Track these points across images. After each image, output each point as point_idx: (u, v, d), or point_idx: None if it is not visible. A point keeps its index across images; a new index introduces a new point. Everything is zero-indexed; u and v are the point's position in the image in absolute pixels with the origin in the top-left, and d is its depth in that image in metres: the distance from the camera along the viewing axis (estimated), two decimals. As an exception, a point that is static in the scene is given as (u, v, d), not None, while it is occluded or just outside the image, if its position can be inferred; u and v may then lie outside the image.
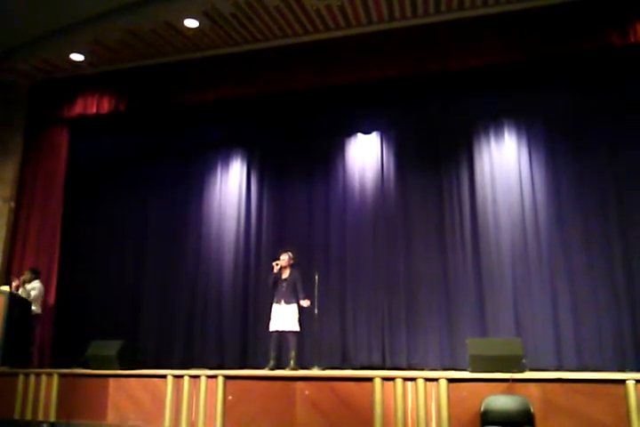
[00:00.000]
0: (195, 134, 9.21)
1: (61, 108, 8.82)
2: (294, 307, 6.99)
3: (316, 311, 7.11)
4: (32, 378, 6.89)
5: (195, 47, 8.13)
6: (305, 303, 6.96)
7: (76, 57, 8.34)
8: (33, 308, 7.73)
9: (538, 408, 5.11)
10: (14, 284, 7.81)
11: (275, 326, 6.96)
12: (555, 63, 7.37)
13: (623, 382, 5.05)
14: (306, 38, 7.80)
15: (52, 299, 8.22)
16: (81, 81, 8.79)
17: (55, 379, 6.81)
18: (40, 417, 6.76)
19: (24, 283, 7.82)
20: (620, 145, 7.29)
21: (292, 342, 6.89)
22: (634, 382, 5.02)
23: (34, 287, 7.81)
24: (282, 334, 6.97)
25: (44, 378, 6.85)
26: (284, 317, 6.93)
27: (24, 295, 7.70)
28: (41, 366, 7.66)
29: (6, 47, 8.29)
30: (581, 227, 7.25)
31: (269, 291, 7.29)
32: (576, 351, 6.86)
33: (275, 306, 7.05)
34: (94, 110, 8.54)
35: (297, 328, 6.95)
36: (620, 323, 6.79)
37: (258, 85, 7.94)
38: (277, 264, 7.12)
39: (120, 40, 7.93)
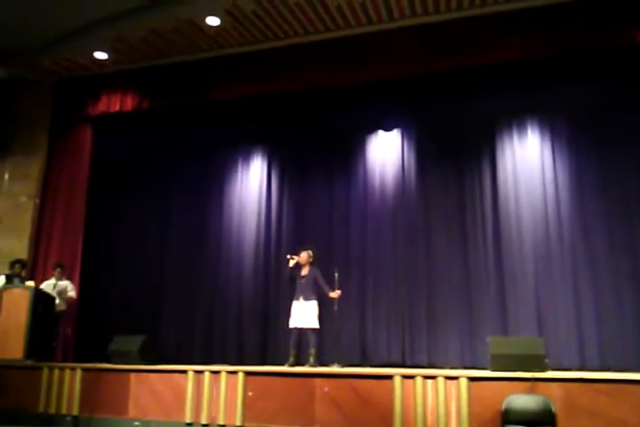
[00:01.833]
0: (216, 132, 9.27)
1: (85, 106, 8.93)
2: (314, 304, 6.97)
3: (335, 308, 7.11)
4: (56, 372, 6.98)
5: (217, 45, 8.17)
6: (335, 295, 6.92)
7: (100, 55, 8.43)
8: (59, 303, 7.87)
9: (559, 408, 5.06)
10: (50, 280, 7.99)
11: (294, 322, 6.97)
12: (578, 59, 7.25)
13: (647, 382, 4.98)
14: (327, 35, 7.78)
15: (75, 295, 8.32)
16: (104, 79, 8.89)
17: (78, 373, 6.90)
18: (63, 411, 6.84)
19: (56, 279, 7.98)
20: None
21: (312, 339, 6.88)
22: (658, 382, 4.94)
23: (66, 285, 7.98)
24: (301, 331, 6.97)
25: (67, 372, 6.94)
26: (303, 314, 6.93)
27: (55, 292, 7.84)
28: (65, 361, 7.77)
29: (31, 45, 8.38)
30: (605, 225, 7.15)
31: (289, 287, 7.31)
32: (599, 351, 6.78)
33: (294, 303, 7.06)
34: (118, 108, 8.63)
35: (316, 325, 6.93)
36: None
37: (279, 83, 7.94)
38: (292, 258, 7.12)
39: (143, 38, 7.99)
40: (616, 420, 4.98)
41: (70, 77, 9.06)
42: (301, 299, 7.00)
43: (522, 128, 7.86)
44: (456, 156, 8.04)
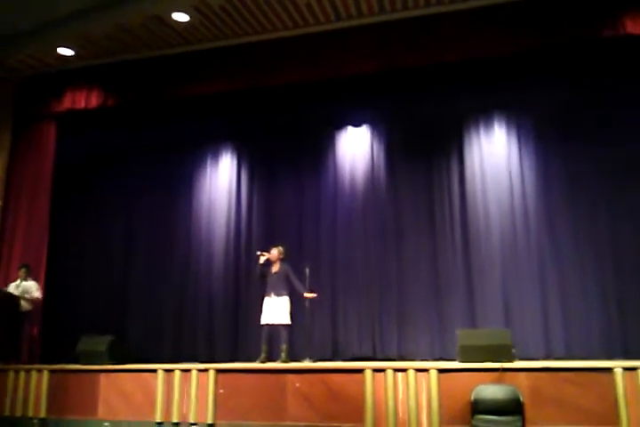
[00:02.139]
0: (184, 129, 9.17)
1: (49, 104, 8.75)
2: (285, 300, 7.00)
3: (307, 304, 7.13)
4: (22, 374, 6.88)
5: (184, 41, 8.09)
6: (310, 295, 6.99)
7: (65, 51, 8.27)
8: (24, 303, 7.72)
9: (527, 397, 5.17)
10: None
11: (266, 319, 6.97)
12: (544, 57, 7.39)
13: (611, 370, 5.12)
14: (296, 32, 7.78)
15: (40, 295, 8.15)
16: (69, 75, 8.72)
17: (45, 375, 6.81)
18: (30, 413, 6.76)
19: (21, 280, 7.83)
20: (608, 138, 7.33)
21: (284, 335, 6.90)
22: (621, 370, 5.09)
23: (31, 286, 7.82)
24: (273, 327, 6.98)
25: (34, 374, 6.84)
26: (275, 310, 6.95)
27: (18, 292, 7.69)
28: (31, 363, 7.61)
29: (-7, 42, 8.22)
30: (570, 219, 7.30)
31: (259, 284, 7.34)
32: (564, 340, 6.92)
33: (266, 299, 7.07)
34: (82, 105, 8.47)
35: (288, 321, 6.96)
36: (607, 312, 6.85)
37: (248, 79, 7.91)
38: (263, 255, 7.13)
39: (109, 34, 7.87)
40: (582, 407, 5.11)
41: (34, 74, 8.87)
42: (273, 295, 7.02)
43: (489, 124, 7.96)
44: (425, 151, 8.10)
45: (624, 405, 5.01)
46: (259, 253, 7.20)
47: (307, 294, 7.02)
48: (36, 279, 8.06)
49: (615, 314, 6.81)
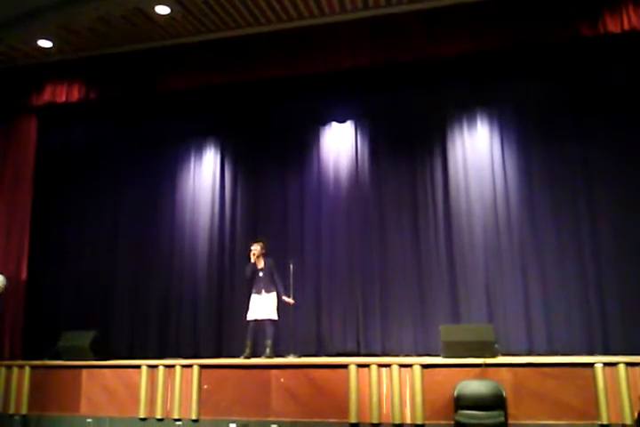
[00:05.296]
0: (167, 123, 9.09)
1: (29, 97, 8.58)
2: (273, 296, 7.05)
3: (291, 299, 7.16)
4: (3, 370, 6.83)
5: (167, 34, 8.00)
6: (290, 300, 7.07)
7: (45, 43, 8.14)
8: None
9: (509, 392, 5.23)
10: None
11: (253, 315, 6.99)
12: (526, 52, 7.43)
13: (591, 365, 5.20)
14: (279, 26, 7.72)
15: (22, 290, 8.06)
16: (50, 68, 8.57)
17: (27, 371, 6.77)
18: (11, 410, 6.73)
19: None
20: (589, 133, 7.41)
21: (270, 330, 6.92)
22: (601, 365, 5.17)
23: None
24: (259, 323, 6.99)
25: (15, 370, 6.80)
26: (262, 306, 6.97)
27: None
28: (12, 358, 7.54)
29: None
30: (552, 214, 7.36)
31: (245, 280, 7.34)
32: (546, 336, 6.98)
33: (254, 296, 7.08)
34: (63, 98, 8.33)
35: (275, 317, 7.00)
36: (588, 308, 6.93)
37: (231, 73, 7.83)
38: (254, 254, 7.14)
39: (90, 27, 7.75)
40: (563, 402, 5.19)
41: (14, 66, 8.71)
42: (263, 292, 7.05)
43: (472, 119, 7.99)
44: (408, 147, 8.11)
45: (604, 399, 5.10)
46: (252, 253, 7.17)
47: (286, 298, 7.08)
48: (16, 274, 7.92)
49: (596, 310, 6.89)
